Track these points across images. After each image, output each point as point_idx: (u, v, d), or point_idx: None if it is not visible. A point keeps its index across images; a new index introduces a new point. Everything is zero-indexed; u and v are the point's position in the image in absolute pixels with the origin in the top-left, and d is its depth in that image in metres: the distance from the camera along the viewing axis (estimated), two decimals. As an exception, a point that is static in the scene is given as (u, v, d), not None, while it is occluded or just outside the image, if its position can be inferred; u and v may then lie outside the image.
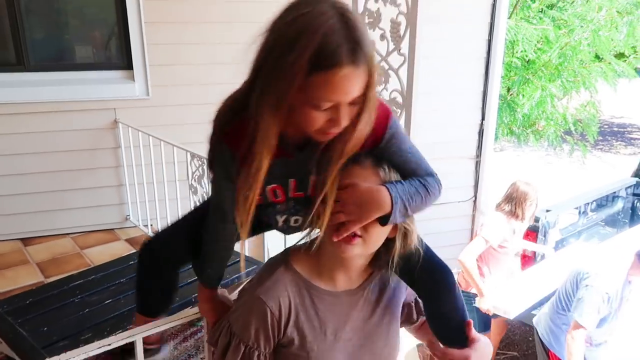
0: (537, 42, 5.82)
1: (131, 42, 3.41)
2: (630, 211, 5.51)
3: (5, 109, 3.27)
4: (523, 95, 5.44)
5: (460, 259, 3.17)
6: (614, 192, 5.39)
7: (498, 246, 3.22)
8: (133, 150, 3.42)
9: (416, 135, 4.22)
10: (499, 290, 3.30)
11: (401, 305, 1.18)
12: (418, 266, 1.08)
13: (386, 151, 1.01)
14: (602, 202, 5.27)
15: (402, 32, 1.55)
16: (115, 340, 1.15)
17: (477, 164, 4.51)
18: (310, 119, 0.87)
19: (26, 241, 3.47)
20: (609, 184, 5.48)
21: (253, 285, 1.08)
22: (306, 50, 0.80)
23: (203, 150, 3.03)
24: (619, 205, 5.44)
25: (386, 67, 1.61)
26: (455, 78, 4.26)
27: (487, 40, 4.24)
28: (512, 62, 5.77)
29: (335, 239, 0.97)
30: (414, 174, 1.05)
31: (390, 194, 0.96)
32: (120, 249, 3.41)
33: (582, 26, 5.32)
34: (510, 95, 5.74)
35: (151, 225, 3.55)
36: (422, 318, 1.21)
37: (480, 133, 4.44)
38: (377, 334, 1.11)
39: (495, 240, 3.17)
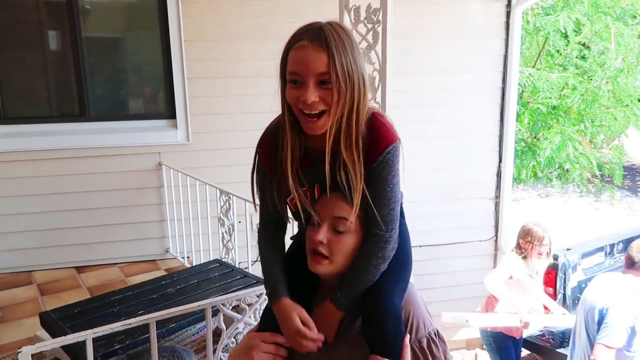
0: (562, 89, 6.02)
1: (175, 95, 3.93)
2: (662, 254, 5.42)
3: (69, 153, 3.82)
4: (546, 139, 5.61)
5: (484, 282, 3.39)
6: (644, 234, 5.35)
7: (514, 282, 3.40)
8: (174, 189, 3.86)
9: (436, 176, 4.51)
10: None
11: None
12: None
13: (374, 175, 1.09)
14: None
15: (376, 85, 1.89)
16: (135, 321, 1.49)
17: (497, 205, 4.69)
18: (289, 98, 1.07)
19: (80, 269, 3.92)
20: (638, 225, 5.46)
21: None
22: (290, 40, 1.06)
23: (232, 188, 3.43)
24: (650, 247, 5.38)
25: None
26: (472, 123, 4.54)
27: (501, 88, 4.52)
28: (537, 108, 5.97)
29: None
30: (379, 212, 1.11)
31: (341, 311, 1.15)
32: (159, 278, 3.80)
33: (598, 72, 5.50)
34: (536, 139, 5.92)
35: (188, 257, 3.93)
36: None
37: (499, 175, 4.65)
38: (341, 350, 1.17)
39: (506, 272, 3.37)
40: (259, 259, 1.26)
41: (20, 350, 1.25)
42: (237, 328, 1.74)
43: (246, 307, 1.72)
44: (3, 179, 3.74)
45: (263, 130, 1.23)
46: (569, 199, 11.76)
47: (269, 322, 1.18)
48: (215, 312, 1.81)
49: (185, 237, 3.85)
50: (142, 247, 4.05)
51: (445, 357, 1.17)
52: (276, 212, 1.19)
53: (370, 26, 1.91)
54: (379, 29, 1.87)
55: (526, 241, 3.39)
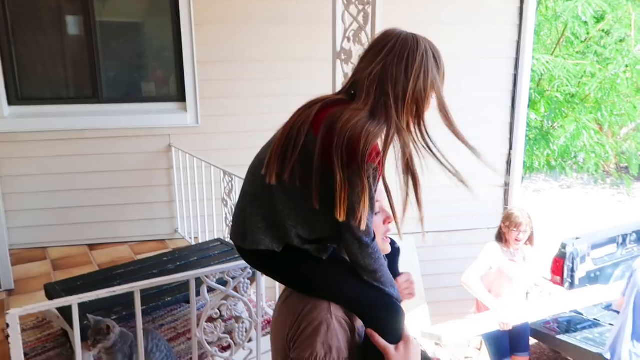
0: (581, 77, 5.90)
1: (185, 78, 4.00)
2: (680, 247, 5.31)
3: (82, 134, 3.94)
4: (561, 127, 5.51)
5: (461, 280, 3.39)
6: (661, 226, 5.25)
7: (496, 271, 3.40)
8: (183, 171, 3.95)
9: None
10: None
11: None
12: None
13: None
14: (646, 235, 5.13)
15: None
16: (120, 289, 1.56)
17: (506, 192, 4.66)
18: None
19: (92, 247, 4.06)
20: (655, 217, 5.36)
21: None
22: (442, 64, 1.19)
23: (239, 170, 3.48)
24: (666, 239, 5.28)
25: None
26: (482, 110, 4.50)
27: (513, 75, 4.46)
28: (554, 96, 5.87)
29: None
30: None
31: None
32: (168, 257, 3.90)
33: (618, 60, 5.37)
34: (552, 128, 5.83)
35: (195, 237, 4.02)
36: None
37: (509, 162, 4.61)
38: None
39: (483, 265, 3.38)
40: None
41: (8, 312, 1.33)
42: (221, 300, 1.80)
43: (230, 279, 1.78)
44: (20, 158, 3.88)
45: (361, 133, 1.11)
46: (591, 190, 11.54)
47: None
48: (210, 291, 1.86)
49: (193, 218, 3.93)
50: (152, 227, 4.16)
51: None
52: None
53: (360, 7, 1.93)
54: (369, 10, 1.89)
55: (505, 225, 3.38)
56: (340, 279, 1.18)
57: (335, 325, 1.12)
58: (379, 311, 1.18)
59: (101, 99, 4.03)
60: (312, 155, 1.10)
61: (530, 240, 3.42)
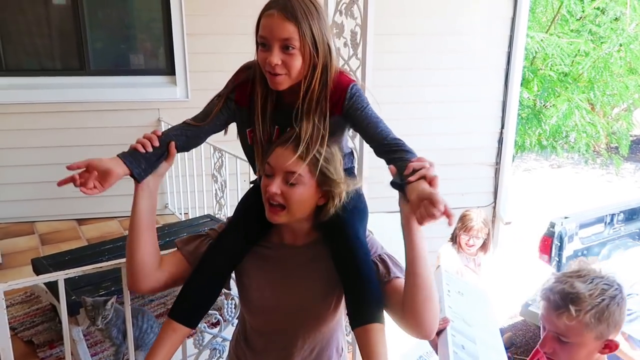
0: (575, 55, 5.87)
1: (174, 51, 3.92)
2: (666, 227, 5.37)
3: (68, 107, 3.86)
4: (554, 106, 5.50)
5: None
6: (647, 206, 5.29)
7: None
8: (172, 146, 3.88)
9: (436, 141, 4.48)
10: None
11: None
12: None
13: (351, 114, 1.23)
14: (633, 215, 5.18)
15: (358, 40, 1.87)
16: (106, 265, 1.54)
17: (497, 171, 4.67)
18: (259, 58, 1.21)
19: (80, 221, 4.02)
20: (641, 197, 5.40)
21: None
22: (263, 8, 1.20)
23: (228, 146, 3.45)
24: (653, 220, 5.33)
25: (347, 68, 1.94)
26: (475, 88, 4.47)
27: (507, 53, 4.42)
28: (548, 75, 5.84)
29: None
30: (380, 133, 1.21)
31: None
32: (157, 232, 3.88)
33: (613, 39, 5.34)
34: (544, 107, 5.82)
35: (185, 213, 4.00)
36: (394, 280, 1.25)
37: (500, 141, 4.60)
38: (299, 285, 1.30)
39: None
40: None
41: (-8, 287, 1.31)
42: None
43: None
44: (5, 130, 3.80)
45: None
46: (581, 170, 11.61)
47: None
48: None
49: (183, 194, 3.91)
50: (142, 202, 4.11)
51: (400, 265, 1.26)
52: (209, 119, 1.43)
53: (353, -20, 1.88)
54: (362, -17, 1.84)
55: (457, 226, 3.11)
56: None
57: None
58: None
59: (88, 71, 3.94)
60: None
61: (484, 247, 3.15)
